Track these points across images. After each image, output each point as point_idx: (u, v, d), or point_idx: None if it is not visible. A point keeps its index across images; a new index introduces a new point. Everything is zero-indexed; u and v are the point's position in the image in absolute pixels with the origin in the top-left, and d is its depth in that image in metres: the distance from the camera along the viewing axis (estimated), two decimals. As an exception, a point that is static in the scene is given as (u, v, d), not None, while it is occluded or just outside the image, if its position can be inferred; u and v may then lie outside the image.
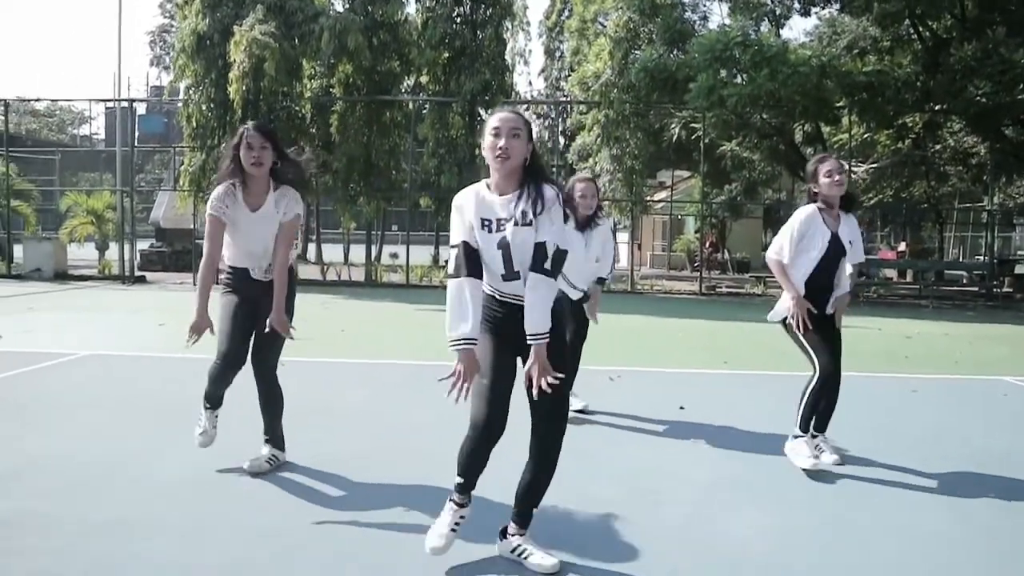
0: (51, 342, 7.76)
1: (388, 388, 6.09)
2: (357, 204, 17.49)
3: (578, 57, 20.16)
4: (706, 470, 4.13)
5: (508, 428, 2.79)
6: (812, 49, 14.88)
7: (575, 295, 4.76)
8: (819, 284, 4.09)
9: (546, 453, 2.82)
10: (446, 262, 2.60)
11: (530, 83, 40.08)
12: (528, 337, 2.67)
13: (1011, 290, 17.77)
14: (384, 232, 24.43)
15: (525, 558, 2.84)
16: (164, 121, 20.35)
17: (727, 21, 16.98)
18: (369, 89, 16.96)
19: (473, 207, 2.73)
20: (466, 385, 2.67)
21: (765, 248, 4.60)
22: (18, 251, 18.33)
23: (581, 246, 4.75)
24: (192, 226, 17.27)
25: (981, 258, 21.93)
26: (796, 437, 4.15)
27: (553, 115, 23.61)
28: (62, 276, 16.73)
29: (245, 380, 3.81)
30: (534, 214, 2.65)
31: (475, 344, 2.69)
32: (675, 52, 15.94)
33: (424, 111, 17.49)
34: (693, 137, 18.88)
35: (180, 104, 17.57)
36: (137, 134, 24.95)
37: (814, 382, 4.07)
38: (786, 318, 4.13)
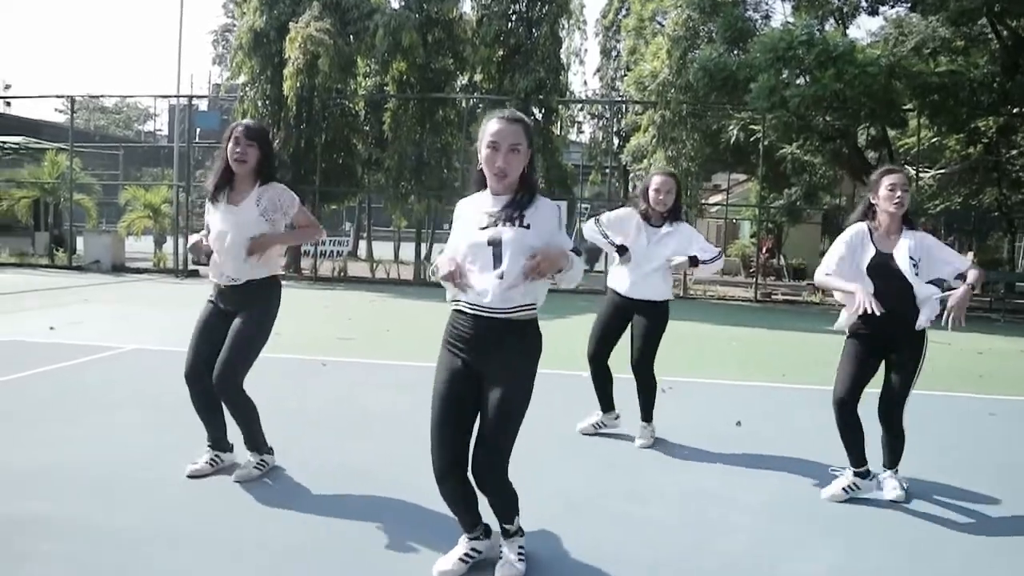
0: (98, 335, 7.78)
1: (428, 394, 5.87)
2: (408, 202, 17.38)
3: (635, 56, 19.70)
4: (765, 495, 3.80)
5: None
6: (880, 49, 14.25)
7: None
8: (885, 306, 3.50)
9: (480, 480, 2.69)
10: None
11: (585, 83, 39.45)
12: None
13: (1088, 304, 16.79)
14: (435, 231, 24.33)
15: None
16: (223, 118, 20.52)
17: (790, 19, 16.38)
18: (422, 87, 16.82)
19: (472, 210, 2.70)
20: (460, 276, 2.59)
21: (822, 254, 4.22)
22: (80, 243, 18.85)
23: (643, 243, 4.44)
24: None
25: (1056, 270, 20.84)
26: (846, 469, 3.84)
27: (608, 115, 23.16)
28: (119, 268, 17.06)
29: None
30: (523, 213, 2.61)
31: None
32: (735, 51, 15.42)
33: (478, 110, 17.25)
34: (752, 139, 18.32)
35: (236, 100, 17.75)
36: (197, 130, 25.35)
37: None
38: (850, 330, 3.76)
